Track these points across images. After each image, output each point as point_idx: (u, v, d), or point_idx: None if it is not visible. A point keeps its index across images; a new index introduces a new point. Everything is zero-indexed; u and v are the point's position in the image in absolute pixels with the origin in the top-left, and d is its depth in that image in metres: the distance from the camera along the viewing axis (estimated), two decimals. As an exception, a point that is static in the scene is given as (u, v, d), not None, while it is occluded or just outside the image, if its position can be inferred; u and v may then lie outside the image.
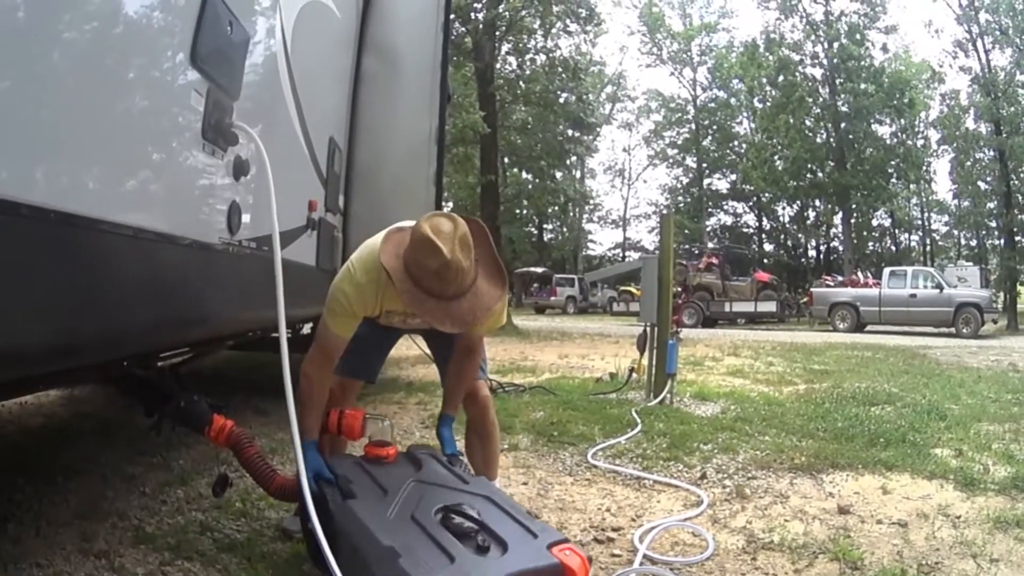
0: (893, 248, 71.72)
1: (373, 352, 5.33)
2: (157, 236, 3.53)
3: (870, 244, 72.80)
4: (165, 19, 3.55)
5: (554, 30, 34.12)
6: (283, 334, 4.16)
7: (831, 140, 63.52)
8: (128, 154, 3.32)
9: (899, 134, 64.16)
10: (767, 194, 72.14)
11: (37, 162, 2.64)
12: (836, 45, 61.30)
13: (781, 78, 63.71)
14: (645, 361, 11.70)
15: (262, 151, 4.36)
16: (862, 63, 60.78)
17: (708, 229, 78.46)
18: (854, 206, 63.76)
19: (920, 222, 72.31)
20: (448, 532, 3.86)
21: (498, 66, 33.83)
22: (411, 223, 4.41)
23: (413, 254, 4.07)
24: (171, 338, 4.65)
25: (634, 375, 12.28)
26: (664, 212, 63.91)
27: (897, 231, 73.18)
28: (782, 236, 79.74)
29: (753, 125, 75.30)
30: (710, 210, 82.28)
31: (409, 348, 10.22)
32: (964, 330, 32.23)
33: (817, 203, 71.28)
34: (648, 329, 11.46)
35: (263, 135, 4.51)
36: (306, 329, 9.37)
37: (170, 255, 3.73)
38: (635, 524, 5.61)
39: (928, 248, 71.25)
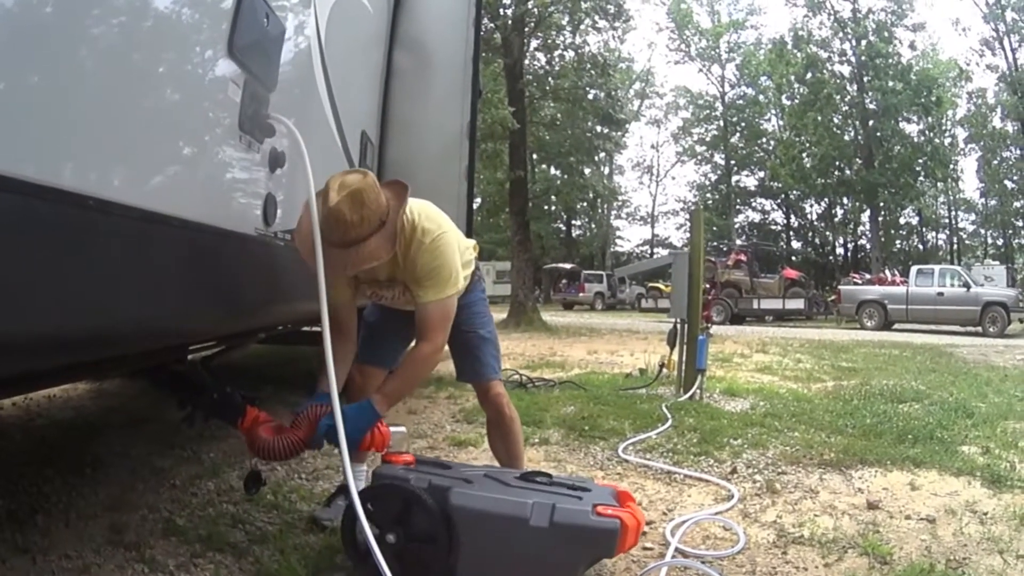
0: (920, 246, 71.72)
1: (391, 339, 5.34)
2: (195, 226, 3.56)
3: (897, 242, 72.81)
4: (203, 10, 3.59)
5: (583, 26, 34.05)
6: (326, 326, 4.14)
7: (859, 138, 63.70)
8: (167, 143, 3.35)
9: (926, 132, 63.89)
10: (795, 191, 72.27)
11: (76, 150, 2.66)
12: (864, 42, 61.47)
13: (809, 75, 63.88)
14: (675, 357, 11.70)
15: (300, 142, 4.37)
16: (890, 61, 60.93)
17: (736, 226, 78.53)
18: (882, 204, 63.61)
19: (947, 220, 72.41)
20: (539, 484, 4.24)
21: (527, 62, 33.70)
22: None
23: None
24: (208, 329, 4.65)
25: (664, 370, 12.23)
26: (694, 208, 63.92)
27: (924, 229, 73.21)
28: (810, 234, 79.82)
29: (781, 122, 75.31)
30: (738, 207, 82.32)
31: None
32: (991, 329, 32.03)
33: (845, 201, 71.27)
34: (678, 325, 11.45)
35: (297, 127, 4.51)
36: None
37: (208, 245, 3.76)
38: (666, 518, 5.64)
39: (955, 247, 71.13)
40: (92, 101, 2.72)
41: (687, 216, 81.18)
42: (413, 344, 4.85)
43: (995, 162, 60.70)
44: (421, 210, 4.70)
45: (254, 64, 4.04)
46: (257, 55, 4.10)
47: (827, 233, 77.11)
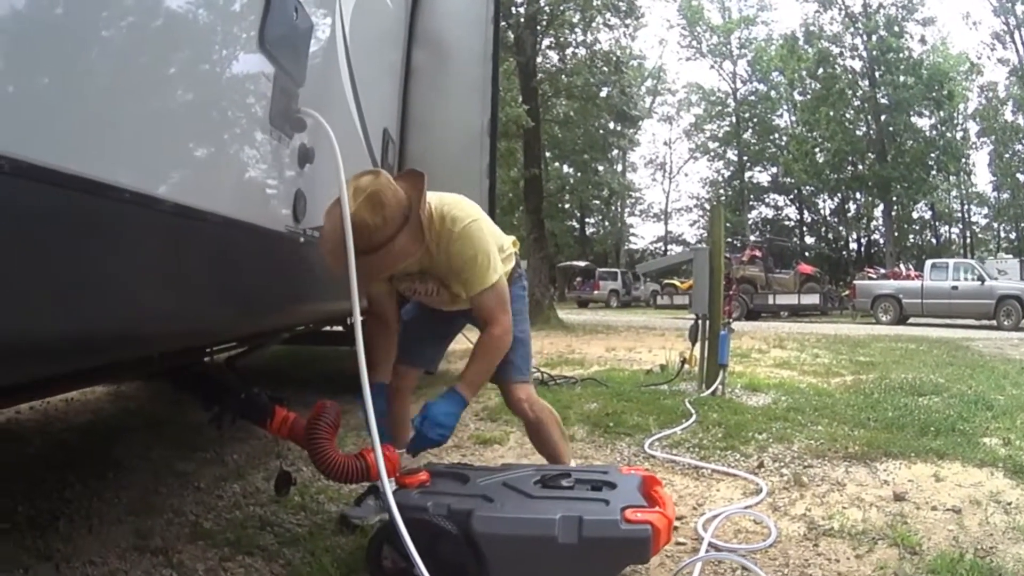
0: (933, 241, 71.41)
1: (430, 339, 5.30)
2: (229, 222, 3.54)
3: (910, 237, 72.81)
4: (235, 2, 3.57)
5: (594, 23, 34.06)
6: (358, 327, 4.06)
7: (871, 132, 63.82)
8: (199, 137, 3.32)
9: (938, 126, 64.07)
10: (808, 187, 72.50)
11: (108, 141, 2.63)
12: (875, 37, 61.50)
13: (821, 70, 64.06)
14: (696, 352, 11.73)
15: (331, 136, 4.31)
16: (901, 55, 61.03)
17: (750, 222, 78.53)
18: (895, 198, 63.89)
19: (960, 214, 72.15)
20: (560, 489, 4.17)
21: (540, 60, 33.79)
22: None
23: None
24: (238, 328, 4.64)
25: (685, 366, 12.28)
26: (714, 204, 64.10)
27: (937, 223, 73.06)
28: (823, 229, 79.72)
29: (793, 118, 75.53)
30: (751, 203, 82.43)
31: (456, 342, 10.19)
32: (1005, 322, 32.10)
33: (858, 196, 71.47)
34: (700, 320, 11.46)
35: (326, 123, 4.46)
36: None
37: (241, 241, 3.75)
38: (696, 513, 5.63)
39: (968, 241, 70.99)
40: (125, 94, 2.70)
41: (700, 213, 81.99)
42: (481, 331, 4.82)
43: (1007, 156, 60.64)
44: (450, 201, 4.68)
45: (284, 58, 4.02)
46: (287, 49, 4.07)
47: (840, 228, 77.10)
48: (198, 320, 3.47)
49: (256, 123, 3.85)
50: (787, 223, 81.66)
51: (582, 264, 65.62)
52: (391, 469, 4.12)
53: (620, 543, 3.77)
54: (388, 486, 3.83)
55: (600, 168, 63.72)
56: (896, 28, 61.42)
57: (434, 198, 4.58)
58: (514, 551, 3.83)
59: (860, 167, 65.50)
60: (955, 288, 34.03)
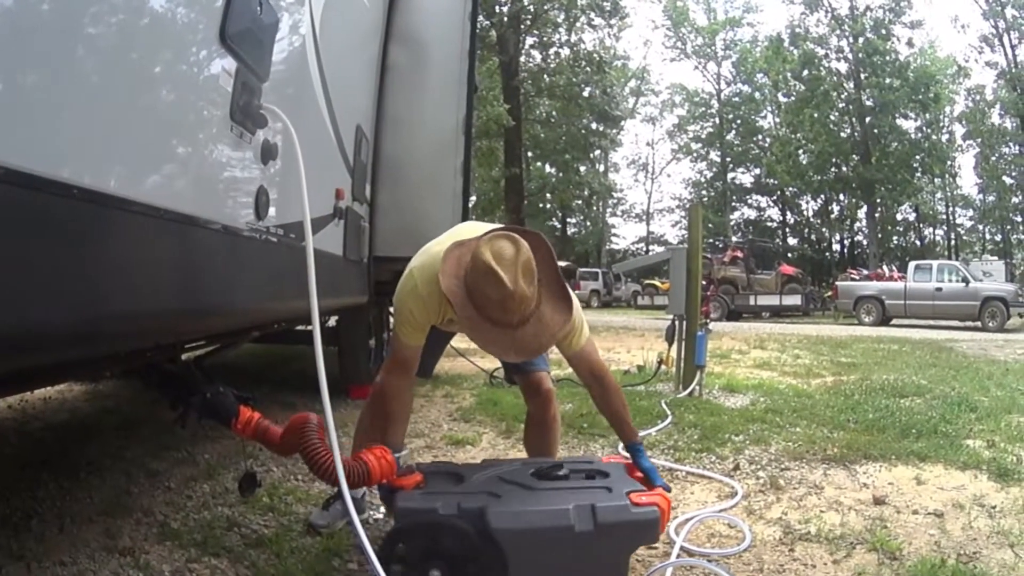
0: (917, 242, 71.74)
1: (428, 350, 5.13)
2: (184, 218, 3.44)
3: (894, 238, 73.20)
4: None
5: (578, 24, 34.18)
6: (316, 325, 4.04)
7: (856, 134, 64.25)
8: (154, 132, 3.23)
9: (924, 129, 64.54)
10: (791, 188, 72.98)
11: (58, 136, 2.55)
12: (861, 39, 61.95)
13: (806, 72, 64.51)
14: (673, 353, 11.66)
15: (292, 133, 4.26)
16: (887, 58, 61.52)
17: (732, 223, 78.84)
18: (879, 200, 64.19)
19: (945, 216, 72.38)
20: (558, 480, 4.23)
21: (522, 59, 33.89)
22: (471, 233, 4.36)
23: (474, 281, 3.92)
24: (198, 326, 4.53)
25: (662, 367, 12.26)
26: (692, 204, 64.21)
27: (921, 225, 73.30)
28: (806, 230, 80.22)
29: (777, 119, 75.98)
30: (734, 204, 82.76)
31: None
32: (990, 324, 32.23)
33: (841, 197, 71.84)
34: (676, 321, 11.39)
35: (291, 119, 4.40)
36: (331, 321, 9.38)
37: (197, 239, 3.64)
38: (670, 516, 5.54)
39: (953, 242, 71.20)
40: (77, 87, 2.62)
41: (683, 213, 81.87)
42: (591, 385, 4.86)
43: (993, 158, 61.04)
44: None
45: (246, 52, 3.93)
46: (250, 43, 3.99)
47: (823, 229, 77.67)
48: (156, 319, 3.40)
49: (216, 118, 3.77)
50: (770, 224, 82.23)
51: (563, 264, 65.08)
52: (390, 472, 4.10)
53: (633, 526, 3.87)
54: (348, 495, 3.73)
55: (582, 168, 63.93)
56: (883, 31, 61.79)
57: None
58: (532, 544, 3.81)
59: (844, 169, 66.06)
60: (939, 289, 34.24)
